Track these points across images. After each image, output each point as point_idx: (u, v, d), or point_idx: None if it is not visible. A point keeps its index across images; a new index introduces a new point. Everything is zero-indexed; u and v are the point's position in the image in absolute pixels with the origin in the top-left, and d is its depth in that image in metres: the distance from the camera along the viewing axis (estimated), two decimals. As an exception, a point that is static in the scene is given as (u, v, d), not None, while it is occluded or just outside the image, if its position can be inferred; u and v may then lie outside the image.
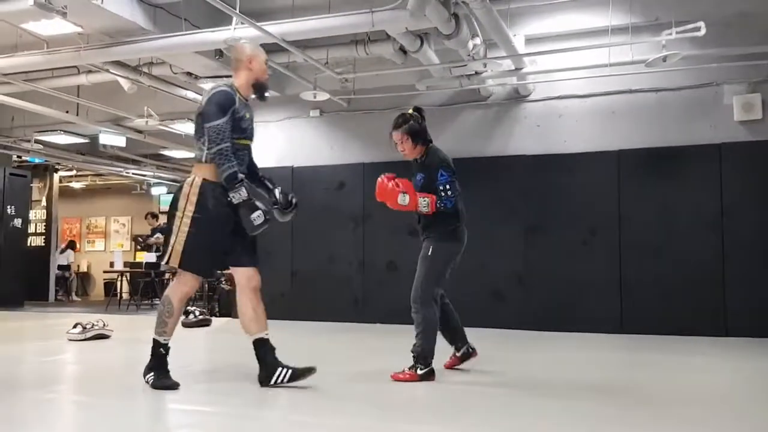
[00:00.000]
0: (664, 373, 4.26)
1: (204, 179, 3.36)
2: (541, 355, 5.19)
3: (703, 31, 5.35)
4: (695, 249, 6.35)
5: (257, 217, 3.30)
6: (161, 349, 3.40)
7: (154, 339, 3.42)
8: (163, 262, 3.49)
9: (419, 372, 3.68)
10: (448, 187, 3.75)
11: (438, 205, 3.74)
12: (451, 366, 4.09)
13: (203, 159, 3.37)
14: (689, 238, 6.38)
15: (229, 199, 3.30)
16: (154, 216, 11.85)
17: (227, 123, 3.32)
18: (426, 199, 3.75)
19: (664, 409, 3.17)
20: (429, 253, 3.82)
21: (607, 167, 6.71)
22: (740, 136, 6.39)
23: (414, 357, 3.74)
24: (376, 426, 2.80)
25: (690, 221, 6.40)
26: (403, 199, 3.76)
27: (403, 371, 3.71)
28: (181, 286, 3.45)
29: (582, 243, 6.73)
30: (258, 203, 3.38)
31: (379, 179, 3.87)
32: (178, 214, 3.35)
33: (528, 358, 5.00)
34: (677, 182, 6.49)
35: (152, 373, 3.40)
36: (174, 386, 3.36)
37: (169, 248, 3.37)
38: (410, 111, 3.98)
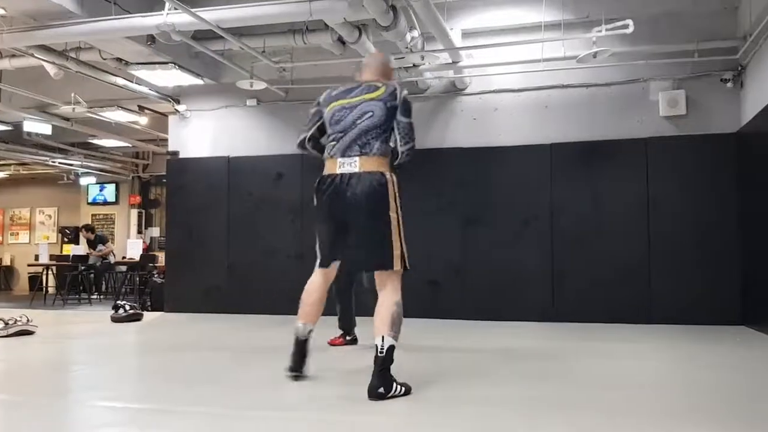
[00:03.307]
0: (596, 360, 4.41)
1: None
2: (477, 344, 5.29)
3: (631, 29, 5.53)
4: (623, 239, 6.59)
5: None
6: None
7: (393, 347, 2.99)
8: (396, 269, 3.14)
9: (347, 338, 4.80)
10: None
11: None
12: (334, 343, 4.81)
13: (385, 152, 3.32)
14: (618, 229, 6.61)
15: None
16: (89, 229, 11.42)
17: None
18: None
19: (596, 393, 3.28)
20: None
21: (540, 160, 6.88)
22: (665, 130, 6.66)
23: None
24: (312, 416, 2.79)
25: (618, 212, 6.63)
26: None
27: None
28: (399, 285, 3.18)
29: (516, 234, 6.88)
30: None
31: None
32: (393, 215, 3.17)
33: (465, 347, 5.08)
34: (606, 175, 6.71)
35: (397, 385, 3.01)
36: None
37: (398, 252, 3.15)
38: None
